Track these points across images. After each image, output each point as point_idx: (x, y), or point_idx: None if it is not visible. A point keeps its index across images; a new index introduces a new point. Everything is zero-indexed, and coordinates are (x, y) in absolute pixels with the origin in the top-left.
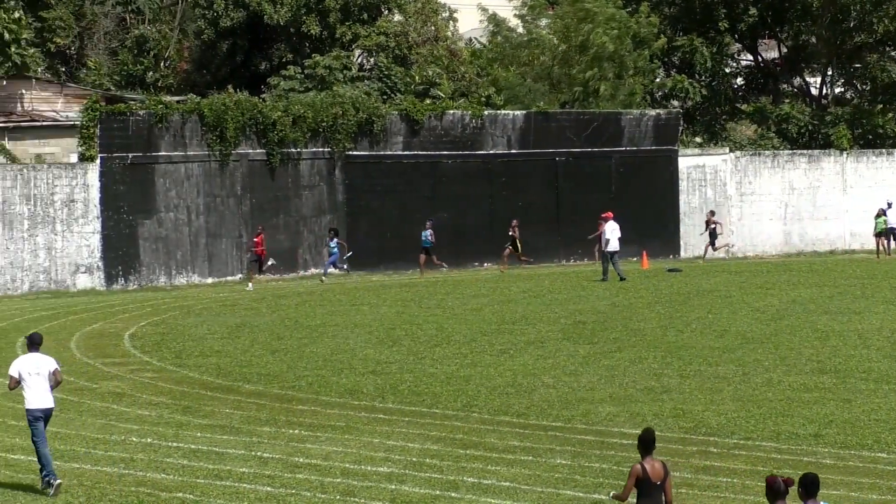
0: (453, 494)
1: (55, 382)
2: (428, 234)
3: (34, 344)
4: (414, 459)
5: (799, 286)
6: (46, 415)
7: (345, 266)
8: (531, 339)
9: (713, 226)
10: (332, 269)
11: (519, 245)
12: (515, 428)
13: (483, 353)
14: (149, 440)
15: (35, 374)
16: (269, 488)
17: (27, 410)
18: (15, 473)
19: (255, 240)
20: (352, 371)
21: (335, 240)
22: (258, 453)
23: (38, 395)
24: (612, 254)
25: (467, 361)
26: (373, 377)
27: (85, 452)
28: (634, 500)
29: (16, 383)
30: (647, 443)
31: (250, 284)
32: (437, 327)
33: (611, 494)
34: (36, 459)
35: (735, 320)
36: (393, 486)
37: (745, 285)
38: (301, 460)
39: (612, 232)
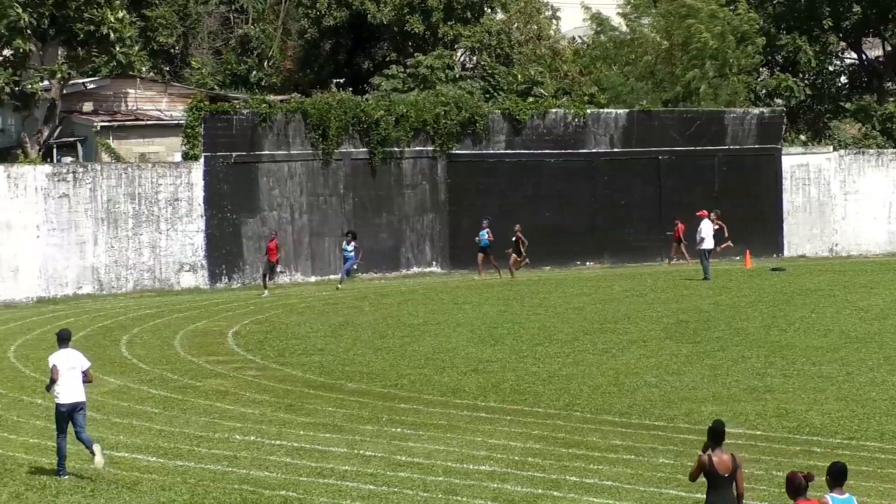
0: (555, 493)
1: (87, 380)
2: (485, 234)
3: (64, 340)
4: (516, 458)
5: None
6: (77, 408)
7: (356, 268)
8: (634, 338)
9: (716, 226)
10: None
11: (522, 250)
12: (618, 427)
13: (585, 352)
14: (252, 438)
15: (71, 368)
16: (371, 486)
17: (57, 405)
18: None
19: (269, 245)
20: (454, 369)
21: (352, 243)
22: (361, 451)
23: (70, 391)
24: (707, 252)
25: (570, 360)
26: (475, 376)
27: (188, 450)
28: (705, 494)
29: (58, 374)
30: (717, 434)
31: (266, 292)
32: (539, 326)
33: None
34: (82, 447)
35: (839, 319)
36: (495, 485)
37: (848, 284)
38: (403, 458)
39: (706, 230)
